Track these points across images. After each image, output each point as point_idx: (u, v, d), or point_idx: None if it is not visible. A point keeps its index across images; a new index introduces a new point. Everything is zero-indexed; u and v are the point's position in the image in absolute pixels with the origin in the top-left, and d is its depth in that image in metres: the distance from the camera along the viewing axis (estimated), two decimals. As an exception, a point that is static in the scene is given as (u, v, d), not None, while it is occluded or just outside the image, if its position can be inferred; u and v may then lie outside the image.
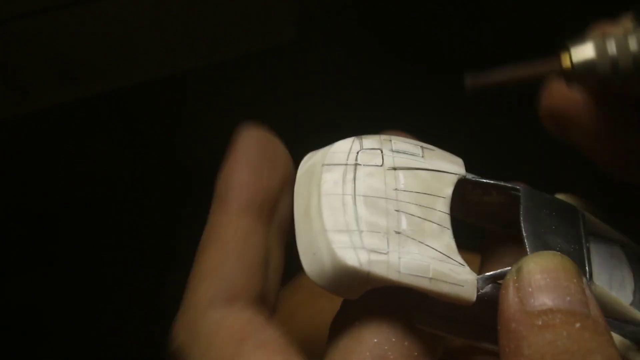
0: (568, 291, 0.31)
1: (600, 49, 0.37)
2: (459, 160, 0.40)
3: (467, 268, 0.36)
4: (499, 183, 0.40)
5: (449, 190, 0.38)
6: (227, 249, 0.36)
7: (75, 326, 0.84)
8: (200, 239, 0.37)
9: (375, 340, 0.34)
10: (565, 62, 0.37)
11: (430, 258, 0.35)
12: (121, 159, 0.91)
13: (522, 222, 0.38)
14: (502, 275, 0.35)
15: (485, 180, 0.40)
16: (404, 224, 0.36)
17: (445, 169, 0.39)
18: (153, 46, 0.68)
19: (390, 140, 0.39)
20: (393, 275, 0.35)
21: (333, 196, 0.37)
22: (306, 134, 0.44)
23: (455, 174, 0.39)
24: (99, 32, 0.65)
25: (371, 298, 0.35)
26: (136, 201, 0.88)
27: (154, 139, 0.90)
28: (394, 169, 0.38)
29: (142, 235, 0.86)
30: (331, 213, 0.36)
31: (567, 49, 0.37)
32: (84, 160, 0.89)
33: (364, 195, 0.37)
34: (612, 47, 0.37)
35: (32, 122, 0.84)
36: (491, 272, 0.36)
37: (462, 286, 0.35)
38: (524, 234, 0.37)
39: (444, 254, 0.36)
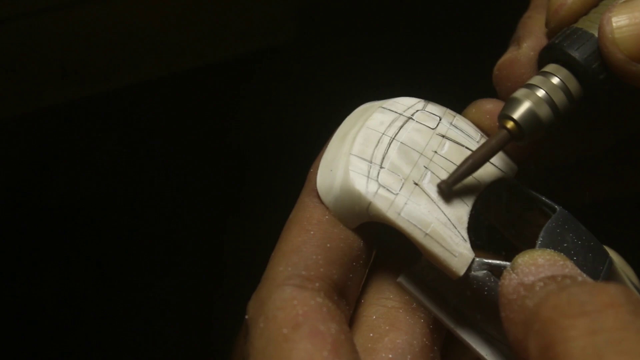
0: (561, 266, 0.33)
1: (531, 97, 0.38)
2: (514, 167, 0.41)
3: (468, 245, 0.36)
4: (539, 196, 0.40)
5: (488, 180, 0.39)
6: (310, 232, 0.36)
7: (83, 322, 0.84)
8: (288, 218, 0.38)
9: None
10: (510, 125, 0.37)
11: (435, 218, 0.36)
12: (121, 158, 0.91)
13: (542, 231, 0.38)
14: (498, 267, 0.35)
15: (526, 189, 0.41)
16: (426, 180, 0.37)
17: (495, 163, 0.40)
18: (153, 46, 0.68)
19: (454, 116, 0.41)
20: (392, 215, 0.36)
21: (373, 131, 0.38)
22: (306, 134, 0.44)
23: (502, 170, 0.40)
24: (99, 32, 0.65)
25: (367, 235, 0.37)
26: (135, 200, 0.88)
27: (153, 139, 0.90)
28: (443, 136, 0.39)
29: (142, 233, 0.86)
30: (364, 142, 0.37)
31: (505, 116, 0.38)
32: (83, 160, 0.89)
33: (401, 142, 0.38)
34: (539, 92, 0.38)
35: (32, 122, 0.84)
36: (489, 260, 0.36)
37: (455, 256, 0.36)
38: (538, 242, 0.37)
39: (451, 222, 0.36)
